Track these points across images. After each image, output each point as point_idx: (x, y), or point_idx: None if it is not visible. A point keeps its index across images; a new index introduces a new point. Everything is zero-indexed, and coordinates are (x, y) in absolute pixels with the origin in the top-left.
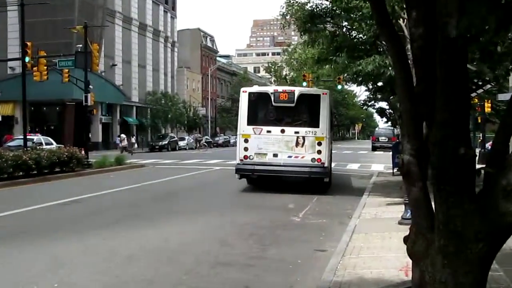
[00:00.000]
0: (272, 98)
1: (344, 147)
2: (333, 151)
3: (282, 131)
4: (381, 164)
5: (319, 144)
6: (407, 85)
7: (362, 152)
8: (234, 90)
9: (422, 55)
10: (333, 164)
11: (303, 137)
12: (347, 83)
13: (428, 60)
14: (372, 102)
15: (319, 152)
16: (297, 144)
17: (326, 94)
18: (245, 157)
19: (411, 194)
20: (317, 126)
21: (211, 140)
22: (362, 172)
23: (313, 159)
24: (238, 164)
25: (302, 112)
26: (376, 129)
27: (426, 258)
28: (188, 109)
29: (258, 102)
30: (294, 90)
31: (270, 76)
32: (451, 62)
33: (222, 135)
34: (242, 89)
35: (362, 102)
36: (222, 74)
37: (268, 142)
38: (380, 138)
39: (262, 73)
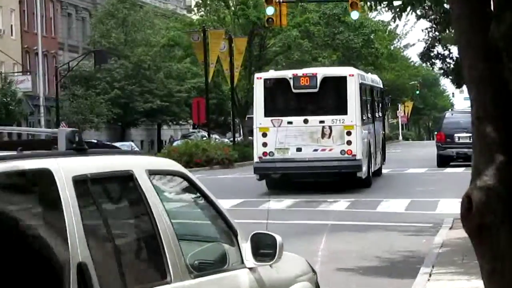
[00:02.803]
0: (292, 84)
1: None
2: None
3: (305, 121)
4: (459, 200)
5: (349, 133)
6: (478, 20)
7: (415, 170)
8: (100, 31)
9: None
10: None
11: (330, 127)
12: (375, 6)
13: None
14: (438, 49)
15: (349, 142)
16: (323, 135)
17: (353, 75)
18: (265, 154)
19: (489, 279)
20: (345, 113)
21: None
22: (415, 220)
23: (342, 151)
24: (256, 162)
25: (327, 97)
26: (447, 114)
27: None
28: None
29: (276, 89)
30: (316, 73)
31: None
32: None
33: None
34: (256, 75)
35: (422, 51)
36: None
37: (290, 135)
38: (457, 135)
39: None
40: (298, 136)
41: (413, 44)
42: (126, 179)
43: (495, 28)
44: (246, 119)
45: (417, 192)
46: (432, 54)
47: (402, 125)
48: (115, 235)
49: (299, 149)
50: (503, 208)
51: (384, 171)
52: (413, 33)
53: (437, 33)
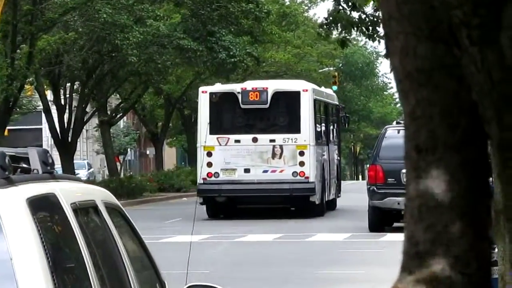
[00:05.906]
0: (240, 99)
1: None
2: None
3: (254, 139)
4: None
5: (301, 154)
6: None
7: (326, 237)
8: None
9: None
10: None
11: (281, 146)
12: None
13: None
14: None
15: (301, 163)
16: (273, 155)
17: (307, 90)
18: (209, 174)
19: None
20: (298, 132)
21: None
22: None
23: (294, 173)
24: (200, 184)
25: (279, 114)
26: (388, 130)
27: None
28: None
29: (223, 105)
30: (267, 88)
31: None
32: None
33: None
34: (201, 88)
35: (330, 10)
36: None
37: (238, 154)
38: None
39: None
40: (246, 156)
41: None
42: (94, 210)
43: None
44: (7, 133)
45: (329, 280)
46: (350, 19)
47: None
48: (104, 271)
49: (247, 170)
50: None
51: (272, 236)
52: None
53: None
